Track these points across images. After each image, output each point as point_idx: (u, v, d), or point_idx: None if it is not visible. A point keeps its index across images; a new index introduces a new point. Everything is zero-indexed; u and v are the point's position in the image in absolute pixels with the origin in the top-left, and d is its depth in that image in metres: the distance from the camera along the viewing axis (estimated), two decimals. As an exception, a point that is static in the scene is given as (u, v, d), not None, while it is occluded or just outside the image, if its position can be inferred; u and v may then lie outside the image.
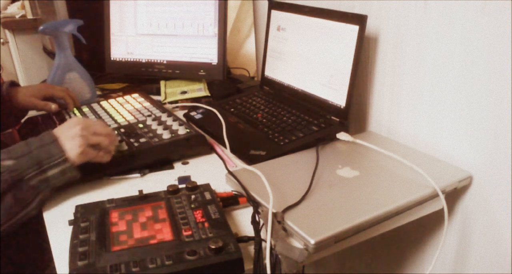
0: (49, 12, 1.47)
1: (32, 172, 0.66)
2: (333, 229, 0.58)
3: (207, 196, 0.65)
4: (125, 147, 0.81)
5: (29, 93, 0.97)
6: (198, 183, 0.68)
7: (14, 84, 0.98)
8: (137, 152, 0.80)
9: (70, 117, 0.98)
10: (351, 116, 0.96)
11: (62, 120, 0.96)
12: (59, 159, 0.68)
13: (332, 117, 0.91)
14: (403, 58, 0.83)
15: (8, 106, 0.94)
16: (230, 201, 0.67)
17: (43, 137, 0.70)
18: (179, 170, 0.82)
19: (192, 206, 0.63)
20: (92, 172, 0.77)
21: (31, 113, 1.03)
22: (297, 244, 0.58)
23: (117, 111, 1.00)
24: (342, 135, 0.84)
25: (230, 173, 0.73)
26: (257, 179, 0.70)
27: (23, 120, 1.02)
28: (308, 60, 0.97)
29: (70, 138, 0.69)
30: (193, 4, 1.19)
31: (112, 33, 1.30)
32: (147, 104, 1.03)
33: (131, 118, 0.95)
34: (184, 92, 1.18)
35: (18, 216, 0.65)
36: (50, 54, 1.71)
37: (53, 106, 0.99)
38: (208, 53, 1.19)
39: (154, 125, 0.89)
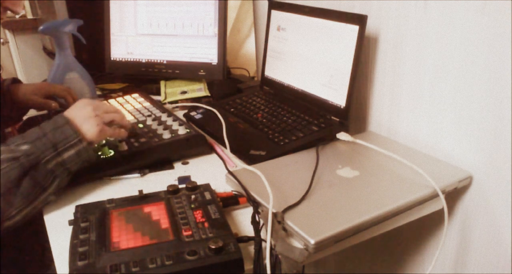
0: (49, 12, 1.47)
1: (49, 154, 0.66)
2: (333, 229, 0.58)
3: (207, 196, 0.65)
4: (125, 147, 0.81)
5: (30, 91, 0.97)
6: (198, 183, 0.68)
7: (16, 81, 0.99)
8: (137, 152, 0.80)
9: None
10: (351, 116, 0.96)
11: (62, 120, 0.96)
12: (75, 139, 0.68)
13: (332, 117, 0.91)
14: (403, 58, 0.83)
15: (9, 102, 0.94)
16: (230, 201, 0.67)
17: (56, 119, 0.70)
18: (179, 170, 0.82)
19: (192, 206, 0.63)
20: (92, 172, 0.77)
21: (31, 113, 1.03)
22: (297, 244, 0.58)
23: (117, 111, 1.00)
24: (342, 136, 0.84)
25: (230, 173, 0.73)
26: (257, 179, 0.70)
27: (24, 118, 1.02)
28: (308, 60, 0.97)
29: (85, 119, 0.70)
30: (193, 4, 1.19)
31: (112, 33, 1.30)
32: (147, 104, 1.03)
33: (131, 118, 0.95)
34: (184, 92, 1.18)
35: (36, 201, 0.66)
36: (50, 54, 1.71)
37: (53, 104, 0.99)
38: (208, 53, 1.19)
39: (154, 125, 0.89)
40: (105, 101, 0.84)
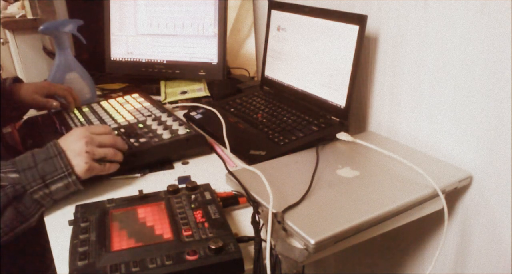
0: (49, 12, 1.47)
1: (36, 185, 0.65)
2: (333, 229, 0.58)
3: (207, 196, 0.65)
4: (125, 147, 0.81)
5: (31, 90, 0.97)
6: (198, 183, 0.68)
7: (17, 80, 0.99)
8: (137, 152, 0.80)
9: (70, 117, 0.98)
10: (351, 116, 0.96)
11: (62, 120, 0.96)
12: (64, 172, 0.67)
13: (332, 117, 0.91)
14: (403, 58, 0.83)
15: (11, 101, 0.94)
16: (230, 201, 0.67)
17: (49, 148, 0.69)
18: (179, 170, 0.82)
19: (192, 206, 0.63)
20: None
21: (31, 113, 1.03)
22: (297, 244, 0.58)
23: (117, 111, 1.00)
24: (342, 136, 0.84)
25: (230, 173, 0.73)
26: (257, 179, 0.70)
27: (24, 117, 1.02)
28: (308, 60, 0.97)
29: (76, 153, 0.68)
30: (193, 4, 1.19)
31: (112, 33, 1.30)
32: (147, 104, 1.03)
33: (131, 118, 0.95)
34: (184, 92, 1.18)
35: (18, 229, 0.65)
36: (50, 54, 1.71)
37: (54, 103, 0.99)
38: (208, 53, 1.19)
39: (154, 125, 0.89)
40: (104, 126, 0.79)
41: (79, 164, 0.68)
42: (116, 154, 0.74)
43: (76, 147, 0.69)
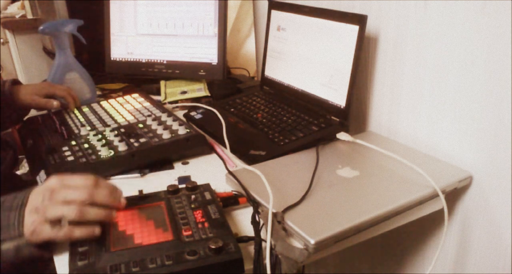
0: (49, 12, 1.47)
1: None
2: (333, 229, 0.58)
3: (207, 196, 0.65)
4: (125, 147, 0.81)
5: (31, 91, 0.97)
6: (198, 183, 0.68)
7: (16, 82, 0.99)
8: (137, 152, 0.80)
9: (70, 117, 0.98)
10: (351, 116, 0.96)
11: (62, 120, 0.96)
12: (15, 231, 0.55)
13: (332, 117, 0.91)
14: (403, 58, 0.83)
15: (11, 103, 0.94)
16: (230, 201, 0.67)
17: (17, 196, 0.57)
18: (179, 170, 0.82)
19: (192, 206, 0.63)
20: (92, 172, 0.77)
21: (31, 113, 1.03)
22: (297, 244, 0.58)
23: (117, 111, 1.00)
24: (342, 136, 0.84)
25: (230, 173, 0.73)
26: (257, 179, 0.70)
27: (24, 118, 1.02)
28: (308, 60, 0.97)
29: (30, 210, 0.55)
30: (193, 4, 1.19)
31: (112, 33, 1.30)
32: (147, 104, 1.03)
33: (131, 118, 0.95)
34: (184, 92, 1.18)
35: None
36: (50, 54, 1.71)
37: (55, 103, 0.99)
38: (208, 53, 1.19)
39: (154, 125, 0.89)
40: (92, 178, 0.59)
41: (27, 223, 0.55)
42: (83, 214, 0.55)
43: (33, 201, 0.56)
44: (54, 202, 0.55)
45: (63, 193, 0.56)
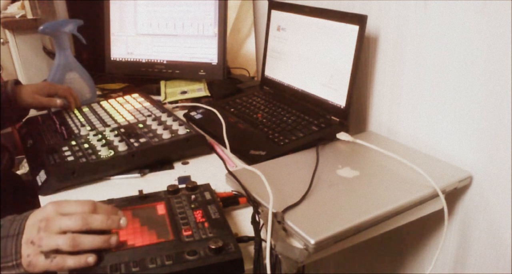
0: (49, 12, 1.47)
1: None
2: (333, 229, 0.58)
3: (207, 196, 0.65)
4: (125, 147, 0.81)
5: (32, 90, 0.97)
6: (198, 183, 0.68)
7: (17, 82, 0.99)
8: (137, 152, 0.80)
9: (70, 117, 0.98)
10: (351, 116, 0.96)
11: (62, 120, 0.96)
12: (12, 261, 0.52)
13: (332, 117, 0.91)
14: (403, 58, 0.83)
15: (13, 104, 0.95)
16: (230, 201, 0.67)
17: (14, 222, 0.55)
18: (179, 170, 0.82)
19: (192, 206, 0.63)
20: (92, 172, 0.77)
21: (31, 113, 1.03)
22: (297, 244, 0.58)
23: (117, 111, 1.00)
24: (342, 136, 0.84)
25: (230, 173, 0.73)
26: (257, 179, 0.70)
27: (24, 119, 1.02)
28: (308, 60, 0.97)
29: (26, 241, 0.53)
30: (193, 4, 1.19)
31: (112, 33, 1.30)
32: (147, 104, 1.03)
33: (131, 118, 0.95)
34: (184, 92, 1.18)
35: None
36: (50, 54, 1.71)
37: (58, 101, 0.99)
38: (208, 53, 1.19)
39: (154, 125, 0.89)
40: (82, 201, 0.57)
41: (23, 255, 0.52)
42: (77, 243, 0.52)
43: (29, 232, 0.53)
44: (49, 232, 0.53)
45: (57, 222, 0.53)
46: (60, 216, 0.54)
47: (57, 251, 0.52)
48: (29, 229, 0.53)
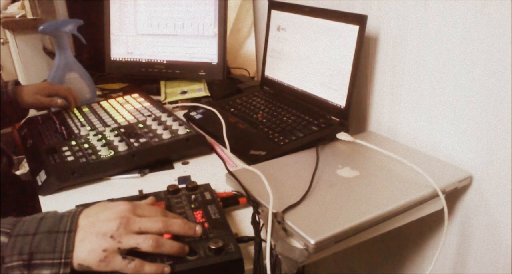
0: (49, 12, 1.47)
1: (17, 261, 0.48)
2: (333, 229, 0.58)
3: (207, 196, 0.65)
4: (125, 147, 0.81)
5: (32, 90, 0.98)
6: (198, 183, 0.68)
7: (17, 83, 0.99)
8: (137, 152, 0.80)
9: (70, 117, 0.98)
10: (351, 116, 0.96)
11: (62, 120, 0.96)
12: (57, 259, 0.49)
13: (332, 117, 0.91)
14: (403, 58, 0.83)
15: (14, 104, 0.95)
16: (230, 201, 0.67)
17: (63, 218, 0.52)
18: (179, 170, 0.82)
19: (192, 206, 0.63)
20: (92, 172, 0.77)
21: (31, 113, 1.03)
22: (297, 244, 0.58)
23: (117, 111, 1.00)
24: (342, 136, 0.84)
25: (230, 173, 0.73)
26: (257, 179, 0.70)
27: (24, 119, 1.02)
28: (308, 60, 0.97)
29: (100, 234, 0.50)
30: (193, 4, 1.19)
31: (112, 33, 1.30)
32: (147, 104, 1.03)
33: (131, 118, 0.95)
34: (184, 92, 1.18)
35: None
36: (50, 54, 1.71)
37: (59, 100, 1.00)
38: (208, 53, 1.19)
39: (154, 125, 0.89)
40: (154, 207, 0.57)
41: (95, 248, 0.49)
42: (158, 244, 0.51)
43: (102, 227, 0.51)
44: (129, 230, 0.51)
45: (137, 222, 0.52)
46: (138, 217, 0.52)
47: (132, 253, 0.51)
48: (100, 224, 0.51)
